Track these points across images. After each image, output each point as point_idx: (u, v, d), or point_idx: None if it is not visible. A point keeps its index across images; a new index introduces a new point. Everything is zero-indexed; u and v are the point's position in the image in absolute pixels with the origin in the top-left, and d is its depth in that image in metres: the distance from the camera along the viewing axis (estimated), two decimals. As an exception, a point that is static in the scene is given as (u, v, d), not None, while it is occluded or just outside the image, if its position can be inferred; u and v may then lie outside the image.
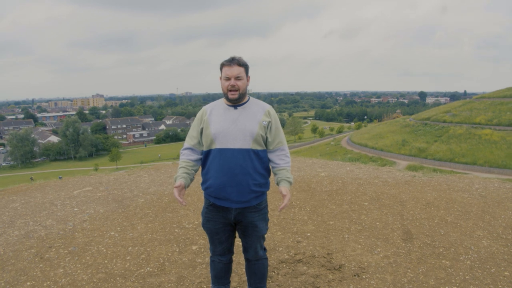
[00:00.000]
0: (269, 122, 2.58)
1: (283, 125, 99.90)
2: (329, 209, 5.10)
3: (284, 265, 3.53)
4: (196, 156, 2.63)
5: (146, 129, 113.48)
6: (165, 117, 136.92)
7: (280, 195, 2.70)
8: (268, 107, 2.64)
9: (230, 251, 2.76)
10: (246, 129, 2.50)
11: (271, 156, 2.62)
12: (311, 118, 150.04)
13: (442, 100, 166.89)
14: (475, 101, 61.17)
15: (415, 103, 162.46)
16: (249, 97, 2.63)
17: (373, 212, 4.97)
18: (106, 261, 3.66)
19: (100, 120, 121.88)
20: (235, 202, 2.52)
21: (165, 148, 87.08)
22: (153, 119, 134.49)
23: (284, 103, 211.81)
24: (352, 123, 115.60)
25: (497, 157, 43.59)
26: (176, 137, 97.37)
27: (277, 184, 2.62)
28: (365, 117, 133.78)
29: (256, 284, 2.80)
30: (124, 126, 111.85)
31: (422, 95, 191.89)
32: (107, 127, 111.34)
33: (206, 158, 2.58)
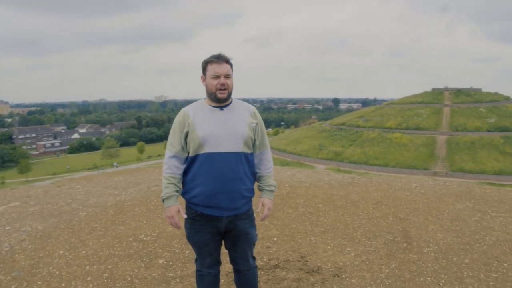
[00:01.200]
0: (257, 124, 2.50)
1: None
2: (287, 213, 5.15)
3: (262, 272, 3.48)
4: (182, 166, 2.43)
5: (58, 138, 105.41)
6: (79, 125, 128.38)
7: (258, 204, 2.57)
8: (253, 108, 2.55)
9: (219, 262, 2.64)
10: (236, 132, 2.38)
11: (255, 160, 2.53)
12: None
13: (355, 106, 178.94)
14: (386, 107, 66.41)
15: (329, 109, 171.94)
16: (231, 98, 2.51)
17: (330, 213, 5.12)
18: (63, 285, 3.29)
19: (6, 129, 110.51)
20: (226, 210, 2.39)
21: (80, 158, 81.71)
22: (65, 127, 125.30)
23: None
24: (270, 129, 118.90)
25: (406, 158, 47.69)
26: (91, 146, 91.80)
27: (260, 190, 2.57)
28: (282, 123, 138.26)
29: None
30: (34, 135, 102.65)
31: (336, 101, 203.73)
32: (14, 136, 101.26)
33: (191, 164, 2.40)
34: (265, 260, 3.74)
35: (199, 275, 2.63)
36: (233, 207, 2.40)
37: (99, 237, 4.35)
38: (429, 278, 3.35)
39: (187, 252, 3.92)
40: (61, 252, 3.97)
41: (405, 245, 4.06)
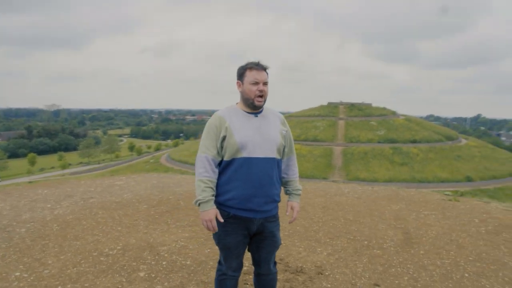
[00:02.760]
0: (287, 131, 2.63)
1: (98, 143, 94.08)
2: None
3: (250, 277, 3.62)
4: (217, 170, 2.48)
5: None
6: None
7: (287, 207, 2.72)
8: (281, 115, 2.68)
9: (242, 265, 2.72)
10: (270, 138, 2.49)
11: (282, 166, 2.65)
12: (126, 136, 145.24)
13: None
14: (285, 119, 69.74)
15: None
16: None
17: (285, 218, 5.42)
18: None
19: None
20: (259, 212, 2.49)
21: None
22: None
23: (97, 120, 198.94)
24: (169, 140, 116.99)
25: (306, 168, 50.47)
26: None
27: (287, 194, 2.73)
28: (181, 134, 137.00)
29: None
30: None
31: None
32: None
33: (226, 167, 2.46)
34: (246, 265, 3.87)
35: (222, 279, 2.66)
36: (266, 209, 2.51)
37: (57, 254, 4.07)
38: (399, 269, 3.81)
39: (164, 263, 3.87)
40: (18, 274, 3.63)
41: (366, 242, 4.52)
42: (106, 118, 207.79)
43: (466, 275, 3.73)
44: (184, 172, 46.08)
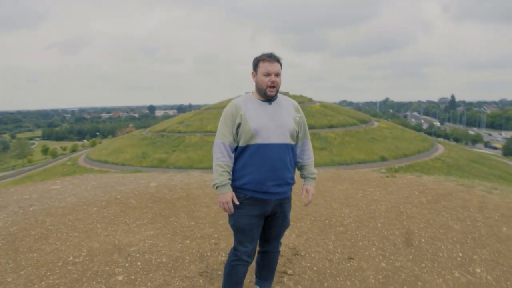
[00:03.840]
0: (300, 117, 2.76)
1: (7, 148, 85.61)
2: (203, 212, 5.32)
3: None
4: (233, 156, 2.62)
5: None
6: None
7: (301, 191, 2.88)
8: (296, 102, 2.82)
9: (255, 252, 2.80)
10: (284, 125, 2.62)
11: (297, 150, 2.79)
12: (38, 139, 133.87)
13: (171, 112, 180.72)
14: (204, 111, 69.31)
15: (145, 116, 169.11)
16: None
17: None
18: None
19: None
20: (274, 194, 2.62)
21: None
22: None
23: (3, 123, 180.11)
24: (85, 140, 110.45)
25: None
26: None
27: (303, 178, 2.87)
28: (98, 133, 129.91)
29: (266, 276, 2.94)
30: None
31: (152, 108, 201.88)
32: None
33: (241, 153, 2.59)
34: (223, 255, 3.91)
35: (235, 265, 2.71)
36: (280, 191, 2.64)
37: (15, 270, 3.73)
38: (365, 242, 4.13)
39: (138, 263, 3.76)
40: (-24, 293, 3.33)
41: (327, 222, 4.79)
42: (13, 121, 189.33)
43: (423, 240, 4.15)
44: (106, 171, 43.88)
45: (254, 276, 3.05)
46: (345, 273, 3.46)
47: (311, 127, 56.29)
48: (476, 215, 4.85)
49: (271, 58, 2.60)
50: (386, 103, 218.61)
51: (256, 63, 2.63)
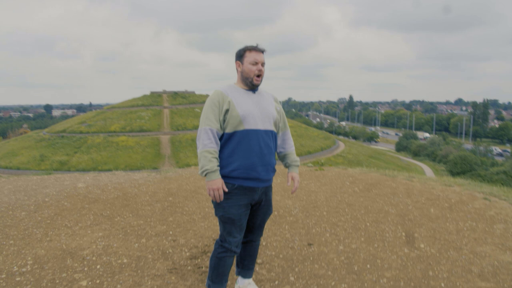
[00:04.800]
0: (280, 108, 2.86)
1: None
2: (148, 211, 5.16)
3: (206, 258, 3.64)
4: (219, 143, 2.60)
5: None
6: None
7: (287, 178, 2.91)
8: (273, 94, 2.89)
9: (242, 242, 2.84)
10: (268, 113, 2.70)
11: (279, 140, 2.88)
12: None
13: (69, 112, 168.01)
14: (107, 111, 65.84)
15: (41, 116, 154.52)
16: None
17: (191, 204, 5.47)
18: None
19: None
20: (262, 181, 2.66)
21: None
22: None
23: None
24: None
25: (135, 160, 49.04)
26: None
27: (287, 167, 2.94)
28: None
29: (249, 265, 2.99)
30: None
31: (48, 108, 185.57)
32: None
33: (228, 140, 2.60)
34: (186, 251, 3.86)
35: (222, 257, 2.71)
36: (268, 178, 2.70)
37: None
38: (318, 229, 4.41)
39: (98, 266, 3.56)
40: None
41: (276, 213, 4.98)
42: None
43: (368, 224, 4.54)
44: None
45: (236, 266, 3.08)
46: (311, 258, 3.66)
47: (220, 127, 56.79)
48: (405, 200, 5.41)
49: (258, 48, 2.67)
50: (289, 103, 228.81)
51: (243, 53, 2.69)
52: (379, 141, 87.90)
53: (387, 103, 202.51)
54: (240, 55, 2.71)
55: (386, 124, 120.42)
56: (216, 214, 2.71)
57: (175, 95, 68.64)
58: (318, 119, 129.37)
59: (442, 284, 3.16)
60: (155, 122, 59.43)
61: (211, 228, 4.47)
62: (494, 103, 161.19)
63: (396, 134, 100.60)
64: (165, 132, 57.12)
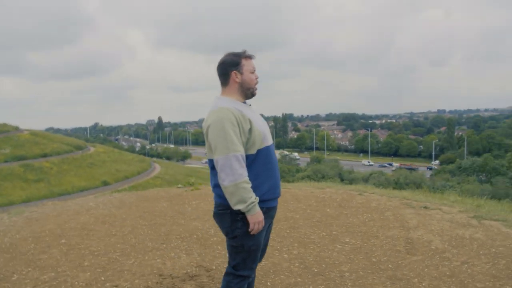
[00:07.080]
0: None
1: None
2: (122, 233, 4.50)
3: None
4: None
5: None
6: None
7: None
8: None
9: None
10: (268, 126, 2.53)
11: None
12: None
13: None
14: None
15: None
16: None
17: (164, 227, 5.24)
18: None
19: None
20: (278, 198, 2.50)
21: None
22: None
23: None
24: None
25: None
26: None
27: None
28: None
29: None
30: None
31: None
32: None
33: (253, 161, 2.31)
34: (187, 270, 3.64)
35: (241, 286, 2.44)
36: (280, 193, 2.52)
37: None
38: (296, 245, 4.50)
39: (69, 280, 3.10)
40: None
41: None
42: None
43: (347, 239, 4.61)
44: None
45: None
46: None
47: (22, 157, 49.81)
48: (298, 205, 6.15)
49: (252, 55, 2.46)
50: (96, 128, 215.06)
51: (239, 61, 2.40)
52: (192, 159, 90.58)
53: (195, 122, 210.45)
54: (236, 64, 2.39)
55: (197, 142, 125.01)
56: (244, 246, 2.36)
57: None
58: (127, 143, 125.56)
59: (390, 266, 3.82)
60: None
61: (166, 251, 4.26)
62: (290, 117, 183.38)
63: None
64: None
